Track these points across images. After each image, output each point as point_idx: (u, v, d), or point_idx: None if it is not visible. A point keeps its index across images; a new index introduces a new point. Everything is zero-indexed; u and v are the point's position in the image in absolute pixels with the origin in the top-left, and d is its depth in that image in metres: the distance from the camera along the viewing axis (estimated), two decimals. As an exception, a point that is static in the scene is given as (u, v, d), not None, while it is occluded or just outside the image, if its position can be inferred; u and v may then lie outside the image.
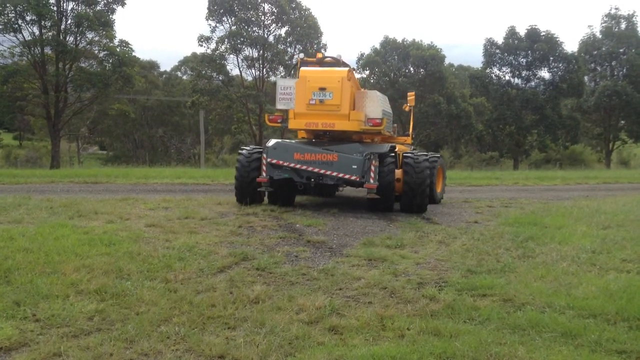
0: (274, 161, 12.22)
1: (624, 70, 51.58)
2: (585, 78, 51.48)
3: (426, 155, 13.82)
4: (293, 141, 13.20)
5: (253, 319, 5.23)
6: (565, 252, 8.20)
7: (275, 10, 37.90)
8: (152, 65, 57.67)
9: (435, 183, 14.36)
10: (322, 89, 12.00)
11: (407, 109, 16.12)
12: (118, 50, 34.98)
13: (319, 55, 13.32)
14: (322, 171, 12.00)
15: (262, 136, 40.38)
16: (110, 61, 35.22)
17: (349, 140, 12.70)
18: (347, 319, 5.31)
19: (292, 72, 13.48)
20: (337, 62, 13.13)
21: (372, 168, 11.72)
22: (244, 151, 13.01)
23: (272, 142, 12.74)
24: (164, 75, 60.28)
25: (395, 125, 16.18)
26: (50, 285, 5.93)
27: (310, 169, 12.06)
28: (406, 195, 12.47)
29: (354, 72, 13.43)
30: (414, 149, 15.03)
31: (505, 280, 6.66)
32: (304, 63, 13.33)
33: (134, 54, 37.00)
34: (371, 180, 11.71)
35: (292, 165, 12.14)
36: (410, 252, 8.35)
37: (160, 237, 8.61)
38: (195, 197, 14.00)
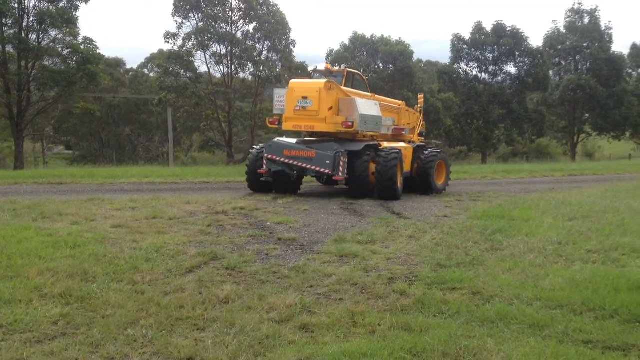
0: (270, 156, 14.68)
1: (588, 64, 52.65)
2: (550, 72, 52.36)
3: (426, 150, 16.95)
4: (292, 140, 15.52)
5: (223, 319, 5.17)
6: (533, 244, 8.32)
7: (243, 6, 37.45)
8: (118, 63, 56.43)
9: (433, 175, 16.46)
10: (305, 98, 14.50)
11: (417, 109, 19.03)
12: (82, 47, 34.14)
13: (327, 66, 16.18)
14: (304, 165, 14.37)
15: (232, 133, 40.02)
16: (74, 59, 34.38)
17: (336, 140, 14.89)
18: (318, 317, 5.28)
19: (310, 76, 16.68)
20: (341, 73, 15.87)
21: (341, 163, 13.97)
22: (254, 150, 15.81)
23: (272, 140, 15.38)
24: (130, 73, 59.13)
25: (424, 123, 19.61)
26: (13, 289, 5.77)
27: (296, 163, 14.42)
28: (378, 184, 14.42)
29: (364, 77, 16.86)
30: (416, 145, 17.33)
31: (474, 274, 6.73)
32: (315, 72, 16.21)
33: (98, 51, 36.21)
34: (340, 174, 14.00)
35: (282, 160, 14.54)
36: (381, 247, 8.38)
37: (127, 238, 8.46)
38: (164, 196, 13.80)
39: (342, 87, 15.21)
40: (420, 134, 18.88)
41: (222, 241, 8.56)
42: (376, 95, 17.11)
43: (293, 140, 15.43)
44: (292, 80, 15.65)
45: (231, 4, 37.68)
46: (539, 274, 6.70)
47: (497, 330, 4.98)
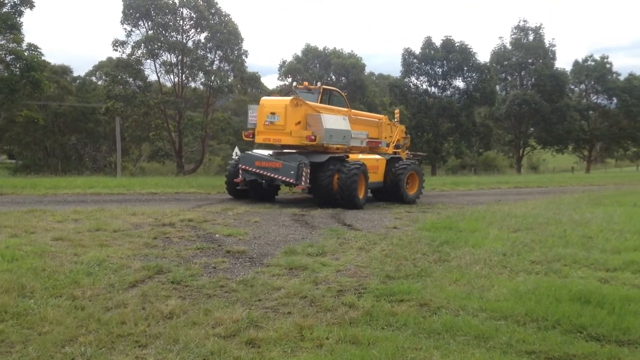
0: (243, 167, 15.89)
1: (532, 79, 54.63)
2: (497, 87, 54.01)
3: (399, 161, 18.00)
4: (264, 152, 16.66)
5: (166, 335, 5.01)
6: (478, 255, 8.45)
7: (194, 15, 37.11)
8: (64, 70, 54.76)
9: (403, 186, 17.44)
10: (273, 113, 15.61)
11: (394, 124, 20.06)
12: (26, 54, 33.04)
13: (305, 84, 17.61)
14: (272, 175, 15.38)
15: (182, 143, 39.42)
16: (18, 66, 33.21)
17: (304, 152, 15.83)
18: (266, 331, 5.19)
19: (288, 93, 18.11)
20: (317, 90, 17.14)
21: (304, 173, 14.93)
22: (232, 161, 17.43)
23: (246, 152, 16.66)
24: (77, 81, 57.54)
25: (409, 137, 21.20)
26: (-59, 307, 5.44)
27: (265, 173, 15.49)
28: (340, 195, 15.17)
29: (343, 93, 18.40)
30: (390, 157, 18.05)
31: (421, 285, 6.77)
32: (296, 89, 17.44)
33: (43, 58, 35.12)
34: (302, 183, 14.98)
35: (254, 170, 15.66)
36: (331, 259, 8.34)
37: (67, 251, 8.15)
38: (109, 207, 13.40)
39: (310, 103, 16.10)
40: (397, 146, 19.74)
41: (168, 254, 8.34)
42: (354, 110, 18.34)
43: (266, 152, 16.49)
44: (263, 98, 16.97)
45: (182, 12, 37.30)
46: (484, 285, 6.80)
47: (443, 341, 5.01)
